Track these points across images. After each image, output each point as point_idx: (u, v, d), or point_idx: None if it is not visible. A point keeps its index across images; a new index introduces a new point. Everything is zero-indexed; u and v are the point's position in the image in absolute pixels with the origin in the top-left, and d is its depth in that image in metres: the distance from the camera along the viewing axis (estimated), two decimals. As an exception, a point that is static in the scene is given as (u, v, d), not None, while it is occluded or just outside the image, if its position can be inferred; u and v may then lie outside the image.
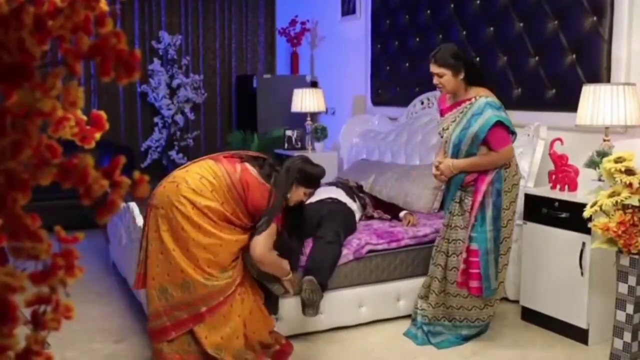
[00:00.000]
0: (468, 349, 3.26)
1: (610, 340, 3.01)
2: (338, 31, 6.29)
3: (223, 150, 3.74)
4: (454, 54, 3.17)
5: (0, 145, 0.76)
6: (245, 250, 2.87)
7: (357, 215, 3.84)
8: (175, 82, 6.67)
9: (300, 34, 6.77)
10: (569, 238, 3.28)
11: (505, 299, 3.78)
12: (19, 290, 0.76)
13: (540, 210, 3.43)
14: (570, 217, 3.26)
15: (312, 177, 2.98)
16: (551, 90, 3.94)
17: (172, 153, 6.69)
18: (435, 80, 3.22)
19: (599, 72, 3.59)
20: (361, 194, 4.09)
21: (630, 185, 2.79)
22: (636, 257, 2.85)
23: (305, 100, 5.70)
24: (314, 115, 6.21)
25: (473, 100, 3.19)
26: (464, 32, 4.60)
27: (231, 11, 7.19)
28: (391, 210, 3.99)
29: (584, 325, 3.26)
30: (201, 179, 2.81)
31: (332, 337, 3.40)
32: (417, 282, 3.55)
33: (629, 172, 2.82)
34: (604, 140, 3.32)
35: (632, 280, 2.87)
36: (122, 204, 1.17)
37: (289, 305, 3.25)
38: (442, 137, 3.34)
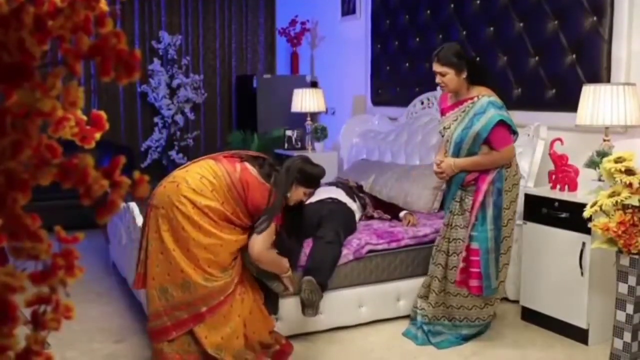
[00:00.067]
0: (468, 349, 3.26)
1: (610, 340, 3.01)
2: (338, 31, 6.29)
3: (223, 150, 3.74)
4: (457, 53, 3.18)
5: (0, 145, 0.76)
6: (244, 249, 2.87)
7: (357, 215, 3.84)
8: (175, 82, 6.67)
9: (300, 34, 6.77)
10: (569, 238, 3.28)
11: (505, 299, 3.78)
12: (19, 290, 0.76)
13: (540, 210, 3.43)
14: (570, 217, 3.26)
15: (312, 177, 2.98)
16: (551, 90, 3.94)
17: (172, 153, 6.70)
18: (438, 79, 3.22)
19: (599, 72, 3.59)
20: (361, 194, 4.09)
21: (630, 185, 2.79)
22: (636, 257, 2.85)
23: (305, 100, 5.70)
24: (314, 115, 6.21)
25: (475, 99, 3.19)
26: (464, 32, 4.60)
27: (231, 11, 7.19)
28: (391, 210, 3.99)
29: (584, 325, 3.26)
30: (201, 179, 2.81)
31: (332, 337, 3.40)
32: (417, 282, 3.55)
33: (629, 172, 2.82)
34: (604, 140, 3.32)
35: (632, 280, 2.87)
36: (122, 204, 1.17)
37: (289, 306, 3.25)
38: (442, 136, 3.34)
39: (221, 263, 2.79)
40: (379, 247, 3.57)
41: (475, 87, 3.23)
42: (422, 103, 5.04)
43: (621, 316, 2.92)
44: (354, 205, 3.85)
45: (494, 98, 3.18)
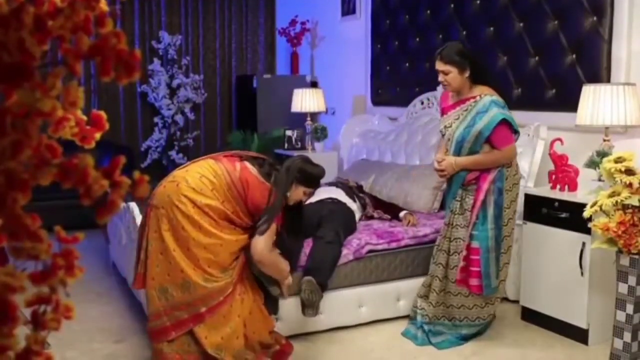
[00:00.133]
0: (468, 349, 3.26)
1: (610, 340, 3.01)
2: (338, 31, 6.29)
3: (223, 150, 3.74)
4: (459, 52, 3.18)
5: (0, 145, 0.76)
6: (246, 249, 2.87)
7: (357, 215, 3.84)
8: (175, 82, 6.67)
9: (300, 34, 6.77)
10: (569, 238, 3.28)
11: (505, 299, 3.78)
12: (19, 290, 0.76)
13: (540, 210, 3.43)
14: (570, 217, 3.26)
15: (312, 177, 2.98)
16: (551, 90, 3.94)
17: (172, 153, 6.70)
18: (441, 78, 3.22)
19: (599, 72, 3.59)
20: (361, 194, 4.09)
21: (630, 185, 2.79)
22: (636, 257, 2.85)
23: (305, 100, 5.70)
24: (314, 115, 6.21)
25: (478, 98, 3.20)
26: (464, 32, 4.60)
27: (231, 11, 7.19)
28: (391, 210, 3.99)
29: (584, 325, 3.26)
30: (201, 178, 2.81)
31: (332, 337, 3.40)
32: (417, 282, 3.55)
33: (629, 172, 2.82)
34: (604, 140, 3.32)
35: (632, 280, 2.87)
36: (122, 204, 1.17)
37: (289, 306, 3.25)
38: (443, 135, 3.34)
39: (221, 263, 2.79)
40: (379, 247, 3.57)
41: (478, 86, 3.23)
42: (422, 103, 5.04)
43: (621, 316, 2.92)
44: (354, 205, 3.85)
45: (497, 97, 3.18)
